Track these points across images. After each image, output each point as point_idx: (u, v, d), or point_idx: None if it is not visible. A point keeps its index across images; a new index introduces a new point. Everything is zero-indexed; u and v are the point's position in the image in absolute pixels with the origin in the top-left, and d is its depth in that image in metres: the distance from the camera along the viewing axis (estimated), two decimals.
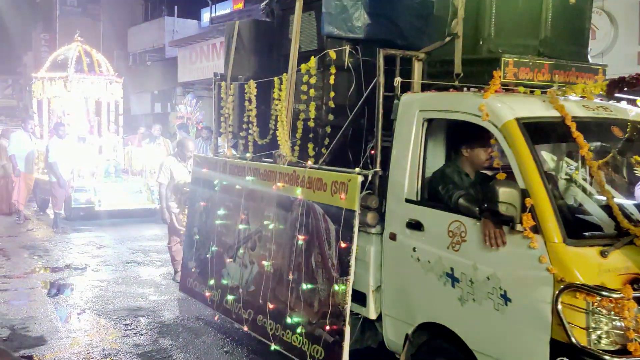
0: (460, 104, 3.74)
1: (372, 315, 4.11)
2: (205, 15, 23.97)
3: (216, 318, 5.51)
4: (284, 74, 4.88)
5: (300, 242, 4.39)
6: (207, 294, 5.45)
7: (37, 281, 7.62)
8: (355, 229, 3.96)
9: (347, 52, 4.61)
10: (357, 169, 4.17)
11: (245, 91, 5.38)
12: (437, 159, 4.04)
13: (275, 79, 4.96)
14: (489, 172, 4.14)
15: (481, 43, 3.95)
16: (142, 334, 5.64)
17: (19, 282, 7.48)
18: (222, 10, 22.95)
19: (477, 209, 3.42)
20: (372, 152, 4.45)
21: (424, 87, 4.20)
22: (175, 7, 23.57)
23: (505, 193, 3.17)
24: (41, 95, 13.70)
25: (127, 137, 14.84)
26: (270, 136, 5.09)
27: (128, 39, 26.90)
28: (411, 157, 3.90)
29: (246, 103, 5.39)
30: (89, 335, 5.63)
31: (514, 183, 3.29)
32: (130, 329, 5.78)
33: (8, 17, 28.99)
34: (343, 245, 4.03)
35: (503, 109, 3.50)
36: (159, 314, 6.21)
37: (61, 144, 11.27)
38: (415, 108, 3.93)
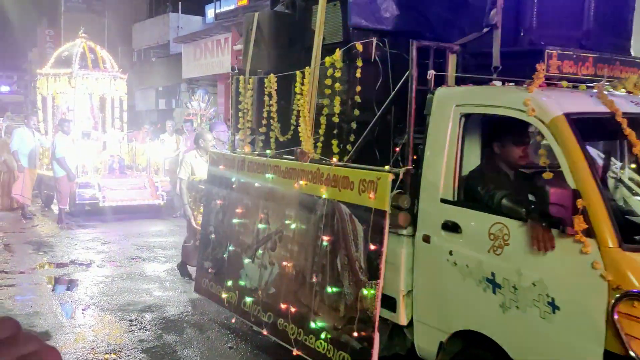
0: (503, 99, 3.47)
1: (403, 322, 3.85)
2: (210, 11, 23.69)
3: (233, 321, 5.25)
4: (307, 68, 4.61)
5: (324, 243, 4.13)
6: (223, 295, 5.17)
7: (42, 277, 7.52)
8: (386, 231, 3.70)
9: (375, 44, 4.32)
10: (386, 167, 3.90)
11: (265, 85, 5.10)
12: (472, 157, 3.77)
13: (298, 72, 4.69)
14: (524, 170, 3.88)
15: (522, 34, 3.67)
16: (146, 330, 5.57)
17: (24, 278, 7.38)
18: (227, 6, 22.67)
19: (524, 210, 3.16)
20: (397, 149, 4.22)
21: (458, 81, 3.93)
22: (180, 3, 23.26)
23: (556, 194, 2.91)
24: (46, 91, 13.44)
25: (130, 133, 14.58)
26: (292, 132, 4.81)
27: (133, 35, 26.58)
28: (447, 154, 3.63)
29: (266, 98, 5.10)
30: (93, 330, 5.58)
31: (566, 183, 3.03)
32: (135, 325, 5.70)
33: (13, 14, 28.70)
34: (372, 247, 3.77)
35: (551, 103, 3.24)
36: (163, 310, 6.13)
37: (66, 140, 11.12)
38: (452, 102, 3.66)
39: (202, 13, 23.99)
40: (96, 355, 4.98)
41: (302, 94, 4.62)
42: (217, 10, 22.94)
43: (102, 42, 18.68)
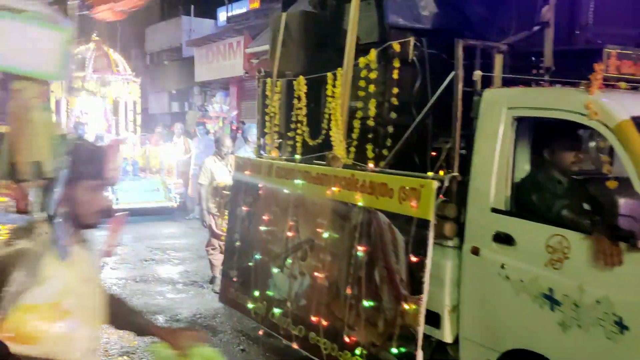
0: (561, 101, 3.20)
1: (448, 339, 3.57)
2: (222, 14, 23.50)
3: (260, 333, 4.99)
4: (339, 69, 4.34)
5: (360, 253, 3.86)
6: (250, 306, 4.90)
7: None
8: (430, 242, 3.42)
9: (412, 44, 4.06)
10: (430, 173, 3.62)
11: (294, 88, 4.82)
12: (522, 163, 3.49)
13: (329, 74, 4.42)
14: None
15: (578, 32, 3.40)
16: None
17: None
18: (239, 9, 22.49)
19: (588, 222, 2.88)
20: (434, 153, 3.96)
21: (505, 83, 3.66)
22: (192, 6, 23.08)
23: (627, 205, 2.64)
24: (60, 94, 13.30)
25: (144, 136, 14.44)
26: (323, 137, 4.55)
27: (145, 38, 26.41)
28: (498, 160, 3.36)
29: (295, 101, 4.82)
30: (106, 332, 5.44)
31: (635, 192, 2.75)
32: None
33: None
34: (414, 259, 3.49)
35: (615, 107, 2.96)
36: (176, 312, 6.13)
37: None
38: (503, 105, 3.39)
39: (214, 16, 23.80)
40: (110, 357, 4.96)
41: (334, 97, 4.35)
42: (229, 14, 22.76)
43: (115, 45, 18.58)
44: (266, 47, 18.72)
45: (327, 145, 4.46)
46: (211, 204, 6.54)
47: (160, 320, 5.88)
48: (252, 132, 7.14)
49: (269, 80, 5.20)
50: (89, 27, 16.41)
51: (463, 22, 4.25)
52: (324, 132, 4.51)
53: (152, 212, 11.77)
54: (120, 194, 11.49)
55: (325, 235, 4.17)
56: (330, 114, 4.39)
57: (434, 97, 3.76)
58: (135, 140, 13.53)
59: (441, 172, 3.61)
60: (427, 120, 4.02)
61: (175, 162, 12.50)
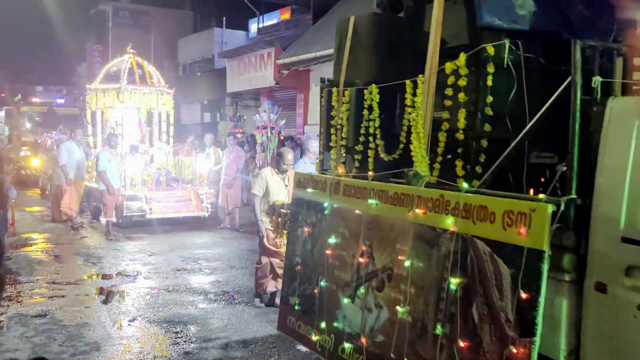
0: None
1: None
2: (253, 26, 23.32)
3: None
4: (420, 76, 3.80)
5: (453, 287, 3.29)
6: (314, 338, 4.34)
7: (91, 288, 7.42)
8: (544, 276, 2.85)
9: (507, 47, 3.52)
10: (542, 195, 3.06)
11: (365, 98, 4.28)
12: None
13: (408, 81, 3.87)
14: None
15: None
16: (192, 342, 5.49)
17: (74, 289, 7.31)
18: (270, 20, 22.28)
19: None
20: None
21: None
22: (224, 18, 22.89)
23: None
24: (95, 105, 13.27)
25: (176, 146, 14.21)
26: (400, 151, 4.00)
27: (178, 50, 26.35)
28: (630, 181, 2.79)
29: (365, 112, 4.28)
30: (140, 342, 5.54)
31: None
32: (181, 337, 5.63)
33: (63, 30, 28.89)
34: (524, 295, 2.92)
35: None
36: (208, 322, 6.05)
37: (111, 154, 11.15)
38: (636, 116, 2.82)
39: (245, 28, 23.64)
40: None
41: (414, 107, 3.81)
42: (260, 25, 22.53)
43: (148, 57, 18.47)
44: (296, 57, 18.52)
45: (404, 160, 3.92)
46: (265, 218, 6.12)
47: (192, 330, 5.78)
48: (313, 144, 6.73)
49: (335, 90, 4.64)
50: (124, 39, 16.26)
51: (564, 23, 3.70)
52: (401, 146, 3.96)
53: (184, 222, 11.85)
54: (154, 204, 11.57)
55: (407, 263, 3.62)
56: (409, 126, 3.85)
57: (546, 106, 3.19)
58: (169, 150, 13.32)
59: (541, 195, 3.04)
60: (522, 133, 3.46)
61: (207, 172, 12.41)
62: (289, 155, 6.33)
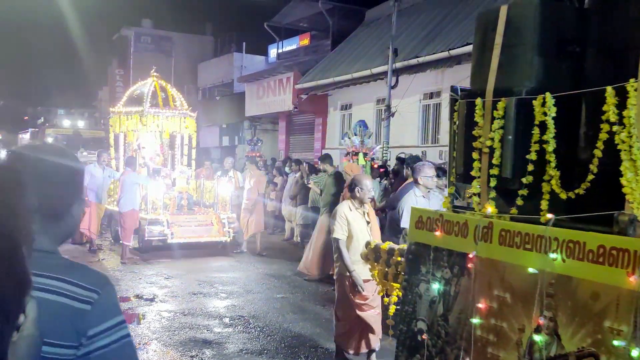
0: None
1: None
2: (272, 51, 23.66)
3: None
4: (631, 80, 2.70)
5: None
6: None
7: None
8: None
9: None
10: None
11: (535, 111, 3.04)
12: None
13: (609, 88, 2.80)
14: None
15: None
16: None
17: None
18: (289, 46, 22.61)
19: None
20: None
21: None
22: (244, 43, 23.30)
23: None
24: (118, 129, 13.35)
25: (197, 170, 14.29)
26: (589, 184, 2.82)
27: (198, 74, 26.80)
28: None
29: (535, 130, 3.04)
30: None
31: None
32: None
33: (86, 55, 29.59)
34: None
35: None
36: (223, 346, 5.99)
37: (132, 177, 11.05)
38: None
39: (265, 53, 24.00)
40: None
41: (620, 123, 2.77)
42: (280, 50, 22.86)
43: (169, 80, 18.82)
44: (315, 82, 18.60)
45: (591, 198, 2.82)
46: (358, 266, 4.99)
47: (208, 354, 5.70)
48: (425, 173, 5.78)
49: (477, 101, 3.28)
50: (145, 63, 16.51)
51: None
52: (590, 177, 2.82)
53: (205, 246, 11.64)
54: (175, 228, 11.31)
55: (618, 343, 2.45)
56: (606, 149, 2.79)
57: None
58: (191, 173, 13.28)
59: None
60: None
61: (229, 196, 12.28)
62: (366, 181, 5.23)
